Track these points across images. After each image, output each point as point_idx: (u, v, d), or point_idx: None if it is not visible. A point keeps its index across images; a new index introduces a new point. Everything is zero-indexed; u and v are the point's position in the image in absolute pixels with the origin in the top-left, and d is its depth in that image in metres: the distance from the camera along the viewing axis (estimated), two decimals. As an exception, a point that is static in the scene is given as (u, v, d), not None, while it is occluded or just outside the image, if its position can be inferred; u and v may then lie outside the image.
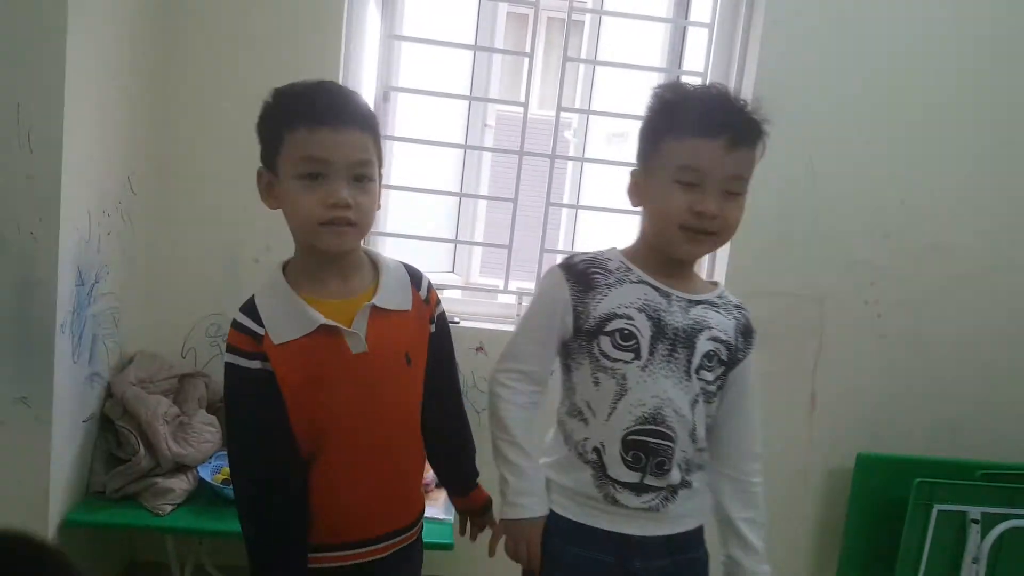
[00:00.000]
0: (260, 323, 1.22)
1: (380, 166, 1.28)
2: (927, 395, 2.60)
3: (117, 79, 1.99)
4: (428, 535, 1.89)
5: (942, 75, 2.44)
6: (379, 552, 1.33)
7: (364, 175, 1.22)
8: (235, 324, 1.23)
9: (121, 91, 2.02)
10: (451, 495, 1.55)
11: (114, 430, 2.06)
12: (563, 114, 2.51)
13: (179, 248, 2.24)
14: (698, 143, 1.23)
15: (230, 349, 1.24)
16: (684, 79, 2.73)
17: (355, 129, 1.20)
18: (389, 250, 2.45)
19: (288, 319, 1.22)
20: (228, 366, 1.23)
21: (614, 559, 1.30)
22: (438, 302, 1.41)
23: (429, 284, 1.39)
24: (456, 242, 2.68)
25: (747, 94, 2.42)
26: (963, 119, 2.48)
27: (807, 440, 2.60)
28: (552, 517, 1.32)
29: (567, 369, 1.35)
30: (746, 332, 1.38)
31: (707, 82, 1.35)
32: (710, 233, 1.26)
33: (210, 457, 2.09)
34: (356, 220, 1.21)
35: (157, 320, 2.25)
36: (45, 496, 1.86)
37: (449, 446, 1.46)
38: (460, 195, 2.65)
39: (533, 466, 1.33)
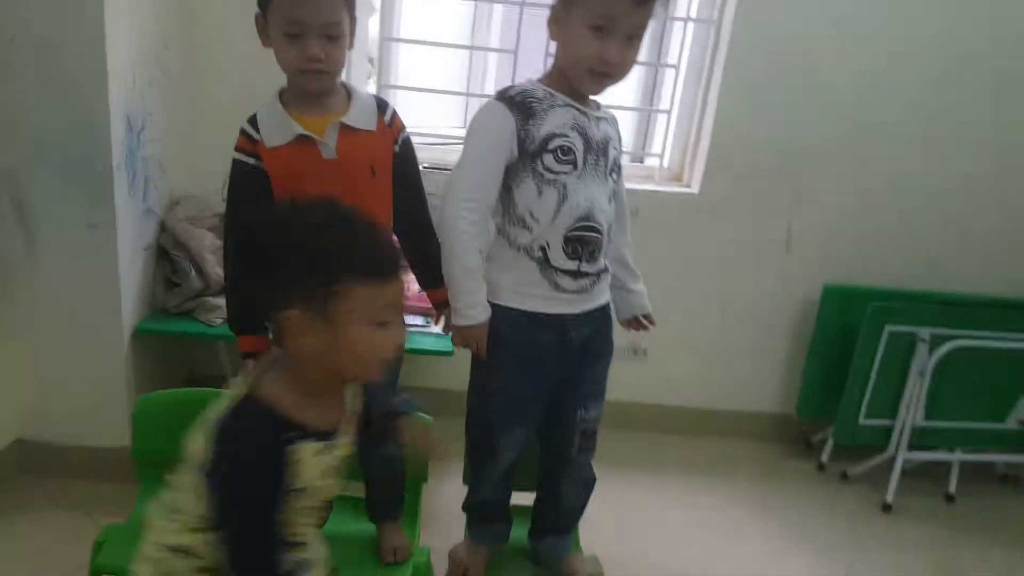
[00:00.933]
0: (258, 131, 1.57)
1: (352, 19, 1.56)
2: (900, 234, 2.83)
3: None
4: (432, 346, 2.29)
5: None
6: None
7: (335, 34, 1.52)
8: (241, 131, 1.59)
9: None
10: (423, 289, 1.85)
11: (169, 259, 2.43)
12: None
13: (213, 98, 2.52)
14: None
15: (236, 149, 1.60)
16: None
17: None
18: (401, 103, 2.68)
19: (277, 129, 1.56)
20: (233, 161, 1.60)
21: (552, 335, 1.63)
22: (402, 128, 1.70)
23: (394, 112, 1.69)
24: (464, 95, 2.89)
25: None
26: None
27: (782, 275, 2.87)
28: (498, 309, 1.62)
29: (507, 189, 1.59)
30: (619, 137, 1.69)
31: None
32: (612, 76, 1.53)
33: (251, 282, 2.45)
34: (327, 68, 1.52)
35: (198, 165, 2.56)
36: (117, 308, 2.25)
37: (418, 249, 1.73)
38: (464, 47, 2.85)
39: (479, 284, 1.60)
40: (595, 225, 1.57)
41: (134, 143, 2.24)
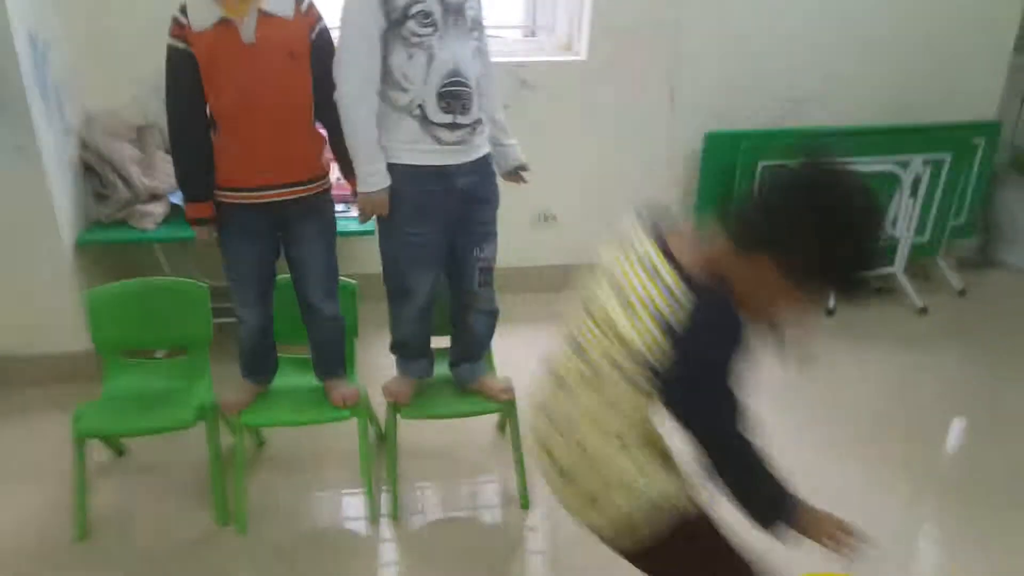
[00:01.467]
0: (186, 17, 1.76)
1: None
2: (768, 80, 3.10)
3: None
4: (356, 228, 2.46)
5: None
6: (281, 195, 1.90)
7: None
8: (173, 19, 1.78)
9: None
10: (344, 178, 2.05)
11: (95, 173, 2.59)
12: None
13: (111, 19, 2.60)
14: None
15: (169, 36, 1.78)
16: None
17: None
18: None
19: (201, 13, 1.75)
20: (167, 48, 1.79)
21: (440, 184, 1.87)
22: (319, 18, 1.87)
23: (310, 3, 1.86)
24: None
25: None
26: None
27: (668, 130, 3.13)
28: (390, 167, 1.85)
29: (384, 56, 1.79)
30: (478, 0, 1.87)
31: None
32: None
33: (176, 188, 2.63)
34: None
35: (107, 82, 2.67)
36: (54, 223, 2.43)
37: (338, 138, 1.91)
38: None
39: (377, 153, 1.83)
40: (463, 80, 1.79)
41: (42, 67, 2.37)
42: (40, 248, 2.46)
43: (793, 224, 1.04)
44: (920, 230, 3.24)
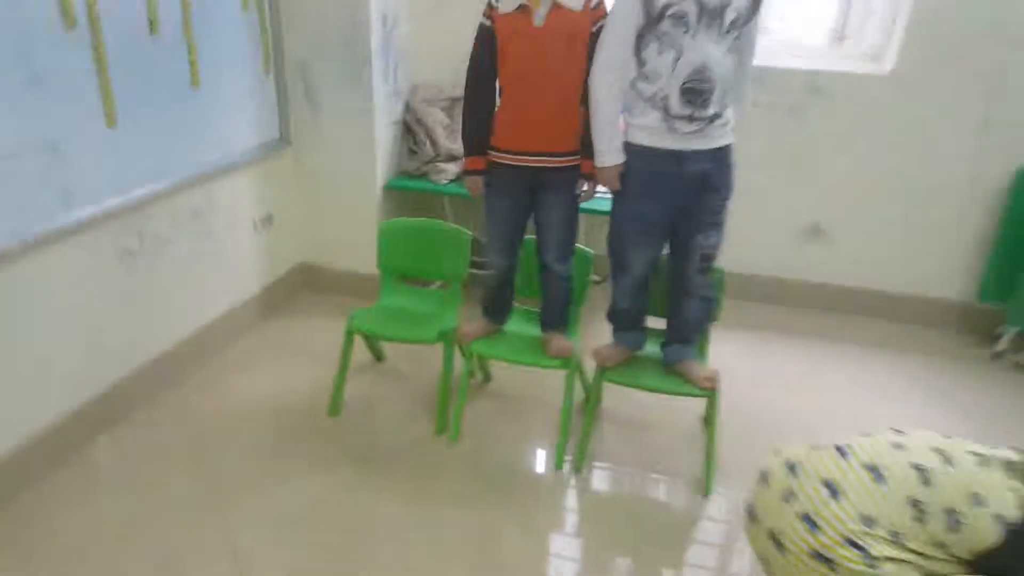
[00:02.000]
0: (496, 1, 2.10)
1: None
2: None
3: None
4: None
5: None
6: (540, 162, 2.16)
7: None
8: (487, 2, 2.12)
9: None
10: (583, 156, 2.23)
11: (411, 131, 3.10)
12: None
13: (449, 5, 3.10)
14: None
15: (482, 17, 2.13)
16: None
17: None
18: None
19: (508, 1, 2.07)
20: (479, 25, 2.14)
21: (673, 167, 1.98)
22: (603, 15, 2.07)
23: (599, 2, 2.08)
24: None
25: None
26: None
27: (974, 158, 2.82)
28: (630, 148, 2.01)
29: (638, 50, 1.94)
30: (749, 4, 1.89)
31: None
32: None
33: (471, 153, 3.04)
34: None
35: (432, 56, 3.18)
36: (373, 169, 2.99)
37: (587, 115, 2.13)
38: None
39: (614, 132, 2.01)
40: (707, 77, 1.88)
41: (387, 38, 2.91)
42: (360, 187, 3.03)
43: None
44: None
